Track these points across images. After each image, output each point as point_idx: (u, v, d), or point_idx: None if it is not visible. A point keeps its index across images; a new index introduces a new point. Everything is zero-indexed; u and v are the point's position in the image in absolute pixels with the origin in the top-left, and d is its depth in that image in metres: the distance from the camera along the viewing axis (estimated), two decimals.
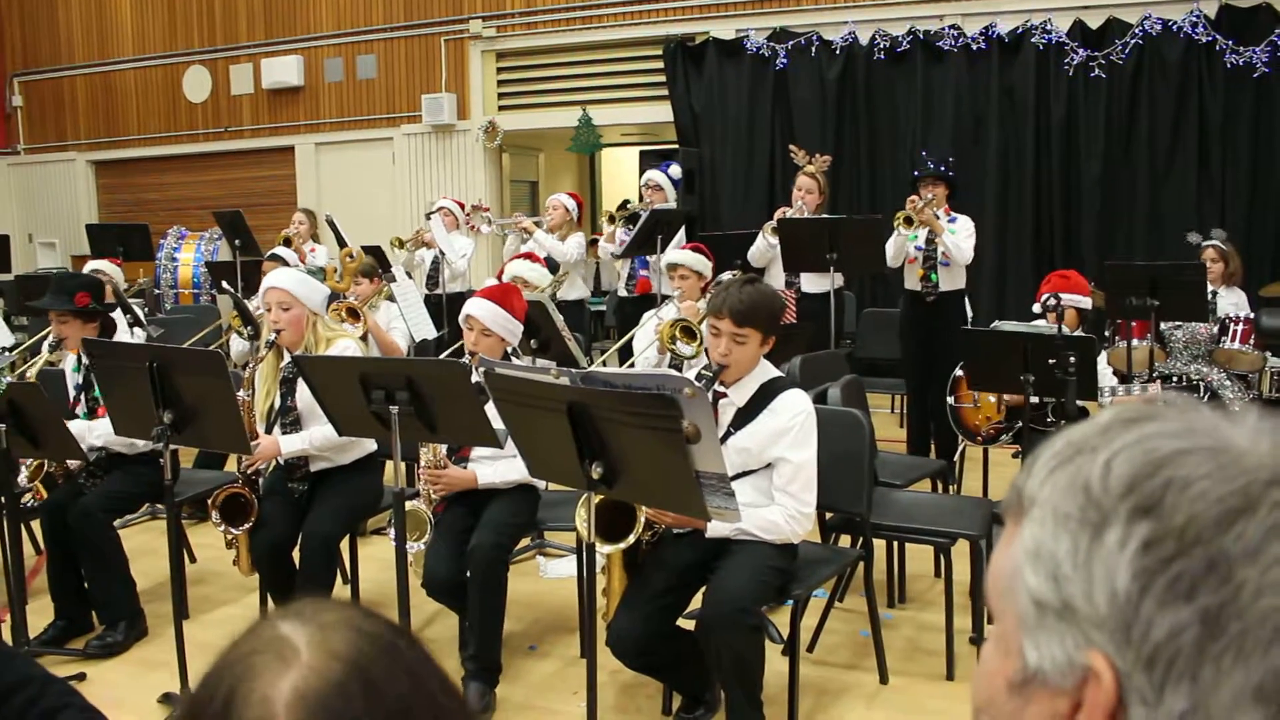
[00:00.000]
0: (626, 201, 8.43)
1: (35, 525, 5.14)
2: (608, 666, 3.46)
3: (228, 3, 11.88)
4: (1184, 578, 0.68)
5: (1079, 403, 4.36)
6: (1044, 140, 8.62)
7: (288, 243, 8.14)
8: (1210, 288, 5.95)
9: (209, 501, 4.09)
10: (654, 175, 7.94)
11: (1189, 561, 0.68)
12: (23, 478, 4.52)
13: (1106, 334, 6.34)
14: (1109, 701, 0.70)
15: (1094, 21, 8.40)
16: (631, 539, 3.21)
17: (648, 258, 7.47)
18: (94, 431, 4.33)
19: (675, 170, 8.21)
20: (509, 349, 4.04)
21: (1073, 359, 4.12)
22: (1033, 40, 8.51)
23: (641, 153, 12.25)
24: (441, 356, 4.10)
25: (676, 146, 9.89)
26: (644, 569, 3.35)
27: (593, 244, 8.24)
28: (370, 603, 4.50)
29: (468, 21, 10.67)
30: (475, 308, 3.94)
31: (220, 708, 0.82)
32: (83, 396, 4.49)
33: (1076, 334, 4.79)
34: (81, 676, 4.00)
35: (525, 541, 4.96)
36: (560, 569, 5.10)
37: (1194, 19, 8.08)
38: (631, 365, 5.24)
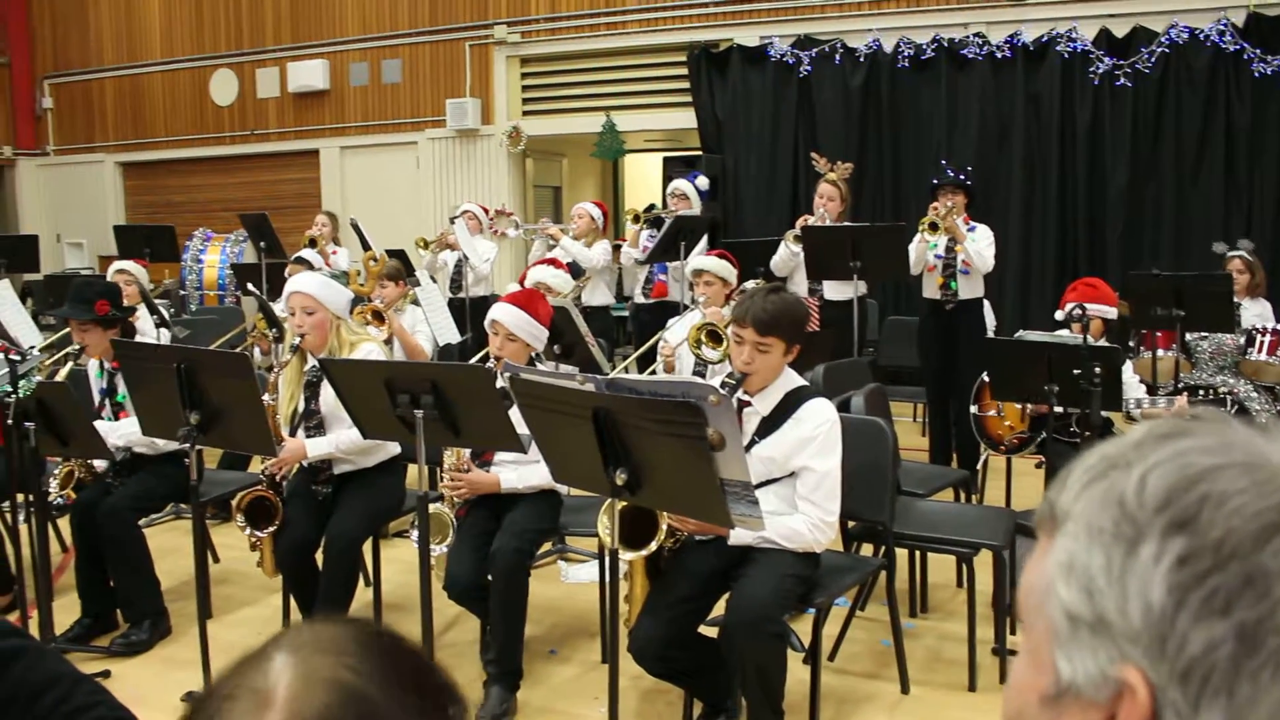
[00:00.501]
0: (652, 206, 8.44)
1: (62, 523, 5.19)
2: (629, 672, 3.46)
3: (254, 7, 11.97)
4: (1220, 593, 0.68)
5: (1103, 413, 4.34)
6: (1069, 149, 8.58)
7: (312, 243, 8.19)
8: (1235, 299, 5.91)
9: (233, 504, 4.12)
10: (680, 184, 7.95)
11: (1225, 577, 0.68)
12: (54, 485, 4.55)
13: (1131, 344, 6.30)
14: (1144, 716, 0.70)
15: (1120, 30, 8.37)
16: (654, 546, 3.22)
17: (667, 263, 7.48)
18: (116, 432, 4.36)
19: (703, 181, 8.20)
20: (533, 354, 4.05)
21: (1097, 369, 4.10)
22: (1058, 49, 8.48)
23: (665, 159, 12.24)
24: (473, 361, 4.11)
25: (700, 153, 9.89)
26: (666, 575, 3.35)
27: (616, 249, 8.25)
28: (392, 605, 4.53)
29: (492, 27, 10.71)
30: (501, 313, 3.95)
31: None
32: (107, 401, 4.53)
33: (1101, 344, 4.76)
34: (106, 674, 4.04)
35: (546, 546, 4.97)
36: (581, 574, 5.10)
37: (1221, 27, 8.04)
38: (653, 372, 5.25)
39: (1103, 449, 0.79)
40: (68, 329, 5.12)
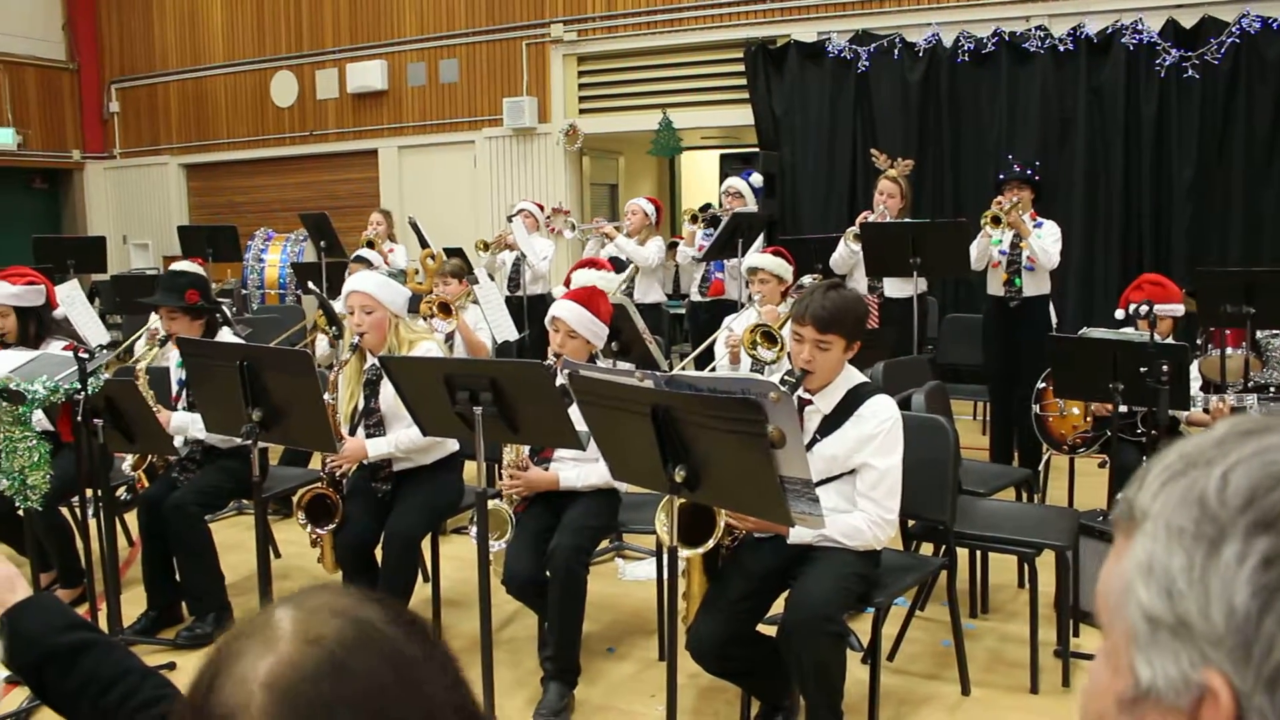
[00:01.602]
0: (708, 205, 8.42)
1: (129, 518, 5.29)
2: (686, 670, 3.45)
3: (314, 9, 12.12)
4: None
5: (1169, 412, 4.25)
6: (1134, 143, 8.41)
7: (370, 244, 8.27)
8: None
9: (295, 501, 4.17)
10: (735, 182, 7.93)
11: None
12: (127, 465, 4.66)
13: (1198, 342, 6.17)
14: None
15: (1188, 21, 8.18)
16: (711, 543, 3.21)
17: (724, 261, 7.46)
18: (197, 423, 4.43)
19: (756, 178, 8.19)
20: (593, 352, 4.05)
21: (1165, 367, 4.02)
22: (1123, 40, 8.31)
23: (722, 156, 12.22)
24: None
25: (757, 150, 9.85)
26: (724, 573, 3.33)
27: (672, 247, 8.23)
28: (451, 601, 4.56)
29: (549, 25, 10.75)
30: (562, 310, 3.96)
31: (206, 686, 0.88)
32: (184, 392, 4.60)
33: (1168, 341, 4.67)
34: (172, 666, 4.10)
35: (604, 543, 4.97)
36: (639, 571, 5.10)
37: None
38: (713, 368, 5.23)
39: (1182, 446, 0.76)
40: (140, 331, 5.22)
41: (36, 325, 4.86)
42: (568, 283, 5.80)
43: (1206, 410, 4.69)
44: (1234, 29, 7.98)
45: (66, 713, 1.67)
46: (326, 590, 0.94)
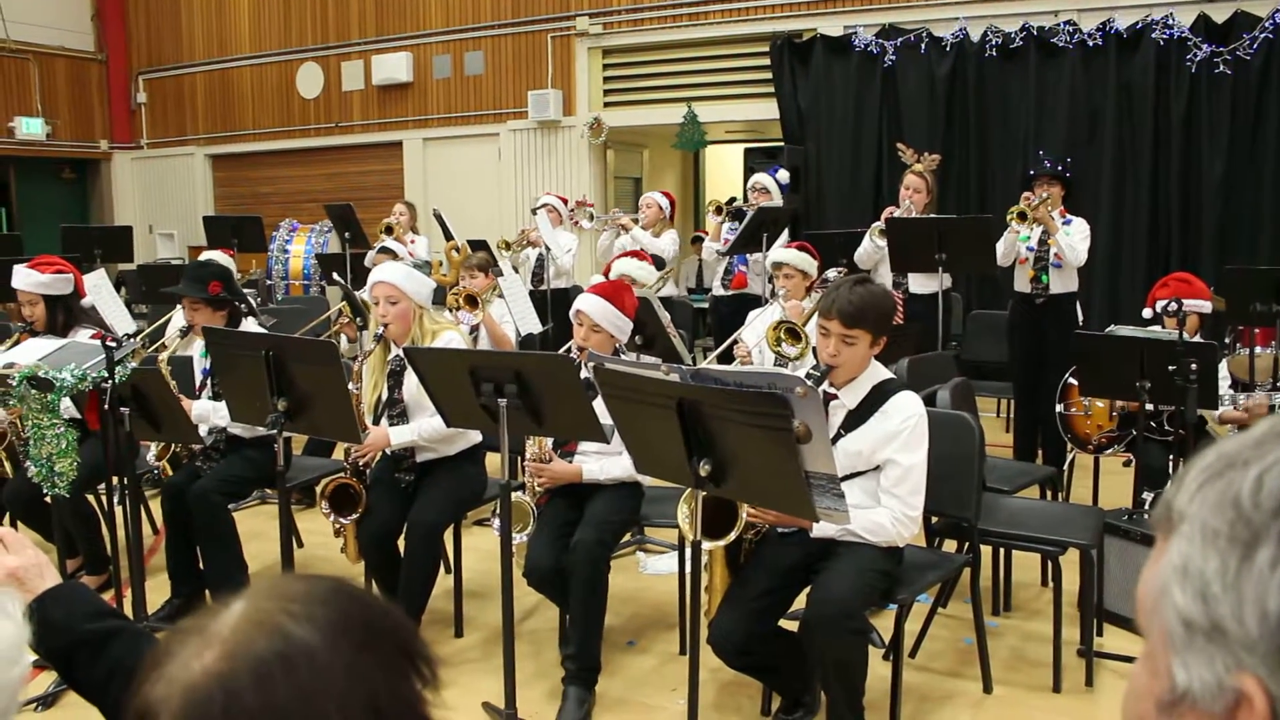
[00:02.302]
0: (734, 199, 8.40)
1: (153, 505, 5.33)
2: (707, 664, 3.44)
3: (340, 1, 12.14)
4: None
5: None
6: (1163, 139, 8.33)
7: (389, 230, 8.29)
8: None
9: (318, 491, 4.18)
10: (761, 178, 7.91)
11: None
12: (151, 455, 4.69)
13: (1227, 340, 6.11)
14: None
15: (1220, 16, 8.08)
16: (733, 535, 3.20)
17: (747, 255, 7.44)
18: (218, 412, 4.45)
19: (783, 175, 8.16)
20: (617, 345, 4.05)
21: (1194, 366, 3.98)
22: (1153, 36, 8.23)
23: (746, 150, 12.17)
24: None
25: (782, 144, 9.82)
26: (747, 568, 3.33)
27: (697, 241, 8.21)
28: (473, 593, 4.57)
29: (575, 18, 10.74)
30: (586, 304, 3.96)
31: (147, 674, 0.90)
32: (209, 381, 4.63)
33: (1196, 340, 4.63)
34: None
35: (626, 537, 4.97)
36: (660, 565, 5.10)
37: None
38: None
39: (1221, 445, 0.75)
40: (164, 318, 5.25)
41: (65, 314, 4.89)
42: (606, 272, 5.81)
43: (1234, 408, 4.65)
44: (1267, 24, 7.89)
45: (95, 699, 1.68)
46: (283, 591, 0.93)
